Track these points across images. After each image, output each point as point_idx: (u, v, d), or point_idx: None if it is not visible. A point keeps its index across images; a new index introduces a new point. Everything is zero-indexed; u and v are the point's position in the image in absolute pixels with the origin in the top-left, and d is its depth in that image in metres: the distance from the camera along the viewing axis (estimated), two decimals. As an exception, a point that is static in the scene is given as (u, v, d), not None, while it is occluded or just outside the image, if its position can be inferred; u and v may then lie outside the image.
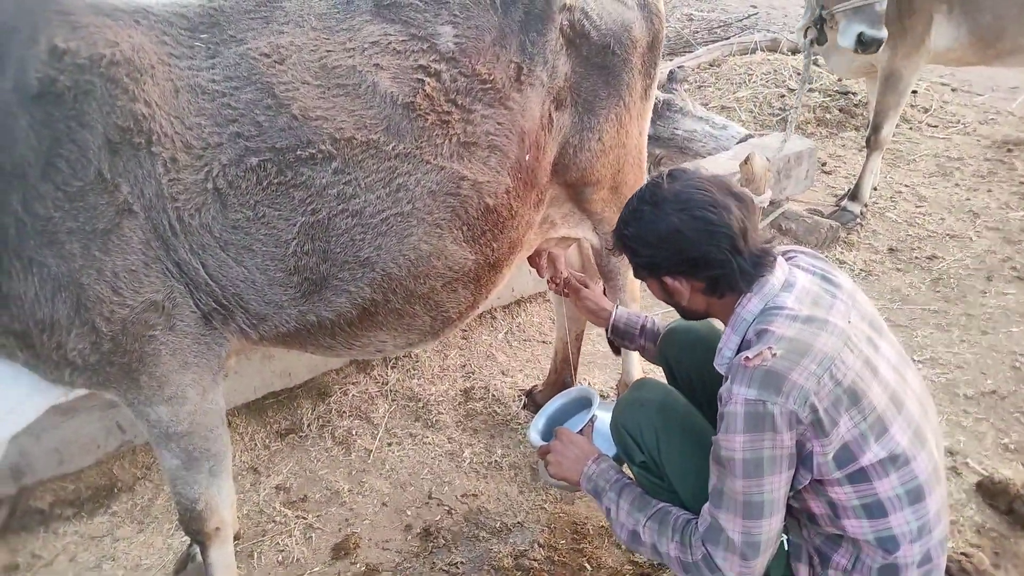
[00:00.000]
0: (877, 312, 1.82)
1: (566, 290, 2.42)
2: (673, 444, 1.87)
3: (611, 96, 2.22)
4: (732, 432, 1.58)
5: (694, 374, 2.10)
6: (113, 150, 1.64)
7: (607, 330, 2.33)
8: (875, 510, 1.64)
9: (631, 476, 1.91)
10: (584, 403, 2.31)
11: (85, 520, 2.61)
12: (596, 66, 2.17)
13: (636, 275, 1.86)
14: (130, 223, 1.68)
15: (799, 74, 6.04)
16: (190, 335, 1.83)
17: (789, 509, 1.75)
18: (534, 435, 2.21)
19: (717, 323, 1.92)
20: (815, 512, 1.71)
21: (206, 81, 1.73)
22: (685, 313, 1.86)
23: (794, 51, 6.39)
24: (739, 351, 1.68)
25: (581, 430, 2.09)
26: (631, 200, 1.78)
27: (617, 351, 2.93)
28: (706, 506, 1.68)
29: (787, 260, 1.81)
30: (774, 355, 1.57)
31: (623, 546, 2.04)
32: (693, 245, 1.66)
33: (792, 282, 1.71)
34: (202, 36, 1.75)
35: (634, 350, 2.39)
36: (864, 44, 3.49)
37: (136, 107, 1.64)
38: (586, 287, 2.38)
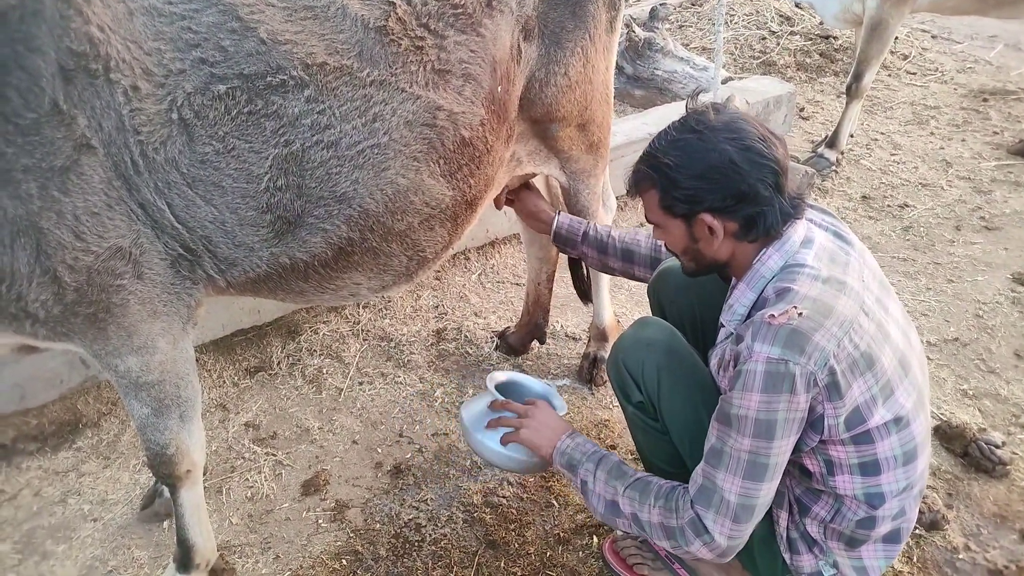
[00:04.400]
0: (882, 273, 1.79)
1: (509, 197, 2.39)
2: (677, 388, 1.84)
3: (577, 28, 2.16)
4: (749, 390, 1.53)
5: (686, 316, 2.10)
6: (67, 78, 1.51)
7: (550, 234, 2.31)
8: (870, 468, 1.64)
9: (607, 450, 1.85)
10: (542, 397, 2.15)
11: (49, 455, 2.58)
12: None
13: (656, 216, 1.71)
14: (89, 160, 1.56)
15: (782, 16, 5.96)
16: (159, 283, 1.74)
17: None
18: (493, 388, 2.04)
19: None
20: (809, 469, 1.70)
21: (162, 3, 1.62)
22: (699, 264, 1.75)
23: None
24: (753, 308, 1.64)
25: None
26: (666, 132, 1.66)
27: (584, 297, 2.93)
28: (698, 468, 1.65)
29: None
30: (800, 315, 1.52)
31: (593, 514, 2.01)
32: (744, 177, 1.57)
33: (811, 238, 1.67)
34: None
35: (576, 256, 2.38)
36: None
37: (91, 30, 1.52)
38: (528, 189, 2.37)
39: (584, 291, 2.91)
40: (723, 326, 1.75)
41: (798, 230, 1.66)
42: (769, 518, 1.80)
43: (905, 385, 1.64)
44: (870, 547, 1.76)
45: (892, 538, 1.76)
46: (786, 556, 1.80)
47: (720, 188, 1.60)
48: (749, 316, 1.65)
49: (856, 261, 1.69)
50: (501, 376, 2.14)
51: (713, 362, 1.76)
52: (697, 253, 1.73)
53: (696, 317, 2.09)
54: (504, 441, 1.92)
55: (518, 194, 2.41)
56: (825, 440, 1.62)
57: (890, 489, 1.66)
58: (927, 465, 1.74)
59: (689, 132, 1.62)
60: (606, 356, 2.75)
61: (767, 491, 1.59)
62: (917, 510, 1.76)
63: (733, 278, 1.77)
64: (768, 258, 1.64)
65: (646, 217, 1.77)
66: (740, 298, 1.68)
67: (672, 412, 1.86)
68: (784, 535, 1.79)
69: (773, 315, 1.54)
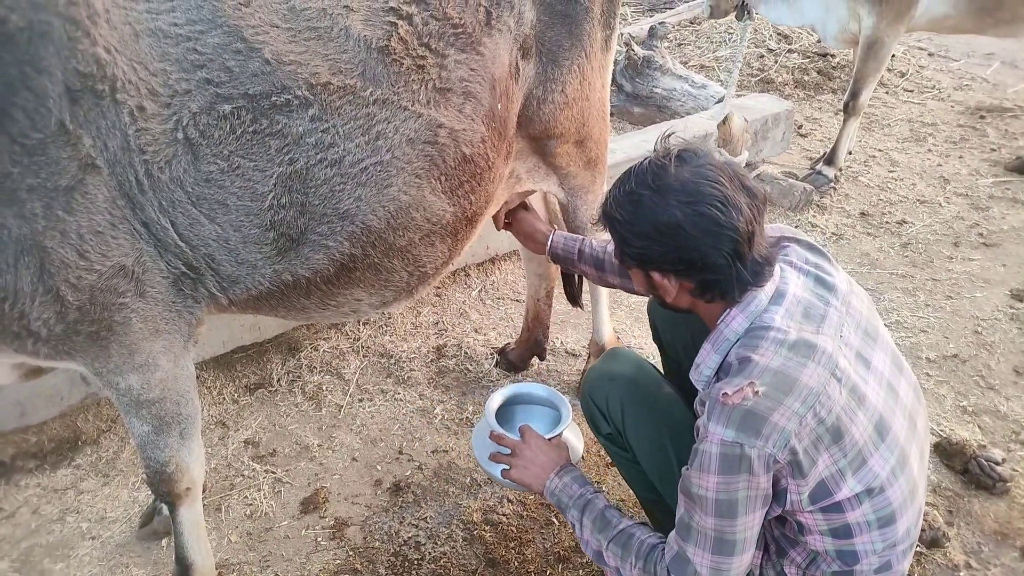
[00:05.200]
0: (873, 311, 1.72)
1: (506, 220, 2.41)
2: (640, 421, 1.86)
3: (573, 47, 2.19)
4: (705, 471, 1.47)
5: (679, 339, 2.10)
6: (74, 98, 1.52)
7: (543, 253, 2.33)
8: (841, 532, 1.58)
9: (593, 488, 1.80)
10: (547, 403, 2.19)
11: (48, 473, 2.57)
12: (559, 14, 2.14)
13: (619, 261, 1.67)
14: (94, 179, 1.57)
15: (780, 34, 6.01)
16: (161, 301, 1.75)
17: None
18: (492, 419, 2.03)
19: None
20: (784, 519, 1.66)
21: (167, 25, 1.64)
22: (665, 306, 1.71)
23: None
24: (718, 371, 1.57)
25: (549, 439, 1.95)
26: (627, 178, 1.57)
27: (574, 301, 2.93)
28: (672, 535, 1.60)
29: (780, 253, 1.66)
30: (756, 393, 1.44)
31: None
32: (693, 245, 1.47)
33: (783, 291, 1.57)
34: None
35: (576, 273, 2.39)
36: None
37: (98, 51, 1.54)
38: (525, 209, 2.38)
39: (573, 295, 2.91)
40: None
41: (766, 286, 1.56)
42: None
43: (881, 451, 1.54)
44: None
45: None
46: None
47: (668, 252, 1.52)
48: (718, 378, 1.57)
49: (835, 313, 1.58)
50: (498, 397, 2.12)
51: (696, 403, 1.72)
52: (659, 298, 1.69)
53: (688, 338, 2.09)
54: (503, 475, 1.91)
55: (514, 215, 2.43)
56: (790, 511, 1.57)
57: (864, 550, 1.59)
58: (916, 521, 1.66)
59: (644, 187, 1.52)
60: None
61: (739, 563, 1.54)
62: (909, 562, 1.67)
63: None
64: (732, 319, 1.55)
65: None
66: (706, 359, 1.59)
67: (638, 443, 1.87)
68: (758, 573, 1.75)
69: (727, 393, 1.46)
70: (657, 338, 2.22)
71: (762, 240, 1.53)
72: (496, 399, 2.12)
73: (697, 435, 1.54)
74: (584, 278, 2.43)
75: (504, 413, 2.13)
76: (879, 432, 1.55)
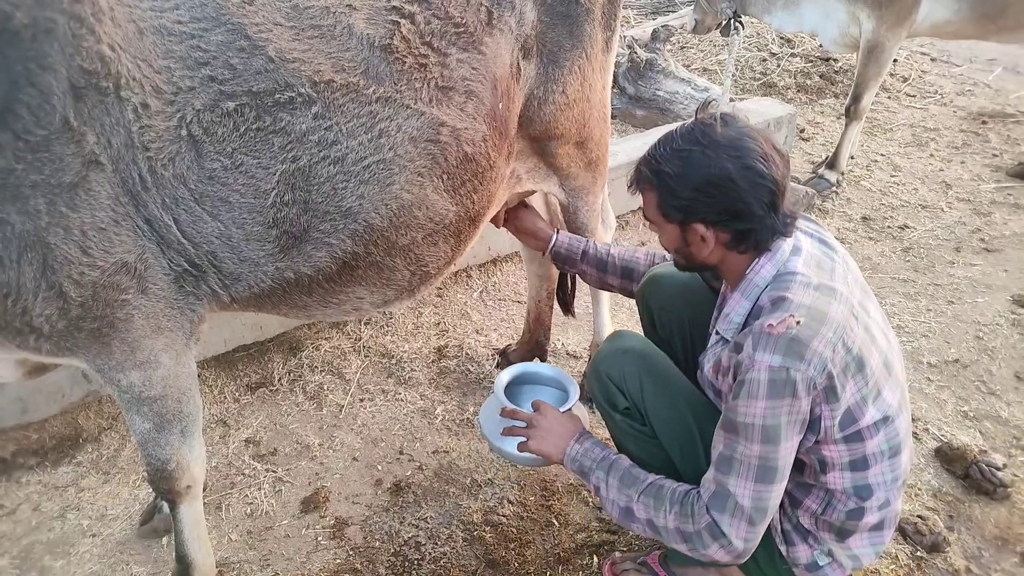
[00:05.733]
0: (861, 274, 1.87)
1: (507, 217, 2.43)
2: (659, 392, 1.89)
3: (575, 48, 2.20)
4: (753, 398, 1.58)
5: (675, 322, 2.13)
6: (78, 95, 1.53)
7: (547, 252, 2.36)
8: (859, 465, 1.71)
9: (615, 451, 1.88)
10: (553, 382, 2.28)
11: (49, 470, 2.57)
12: (560, 15, 2.15)
13: (653, 215, 1.76)
14: (97, 176, 1.58)
15: (783, 38, 6.02)
16: (163, 298, 1.75)
17: None
18: (503, 396, 2.12)
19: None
20: (803, 461, 1.76)
21: (171, 22, 1.65)
22: (691, 264, 1.81)
23: None
24: (749, 317, 1.69)
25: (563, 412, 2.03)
26: (671, 138, 1.69)
27: (566, 309, 2.93)
28: (709, 475, 1.68)
29: None
30: (798, 323, 1.57)
31: (607, 516, 2.05)
32: (739, 196, 1.62)
33: (799, 246, 1.72)
34: None
35: (574, 273, 2.42)
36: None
37: (102, 48, 1.54)
38: (525, 207, 2.41)
39: (566, 302, 2.92)
40: (717, 333, 1.79)
41: (787, 240, 1.71)
42: None
43: (890, 384, 1.71)
44: (858, 538, 1.82)
45: (879, 527, 1.82)
46: (782, 548, 1.85)
47: (715, 203, 1.64)
48: (746, 325, 1.69)
49: (840, 267, 1.74)
50: (507, 376, 2.22)
51: (708, 367, 1.81)
52: (688, 255, 1.78)
53: (686, 323, 2.13)
54: (519, 450, 1.97)
55: (515, 213, 2.44)
56: (820, 441, 1.68)
57: (877, 481, 1.74)
58: (910, 458, 1.83)
59: (694, 144, 1.65)
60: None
61: (777, 492, 1.64)
62: (900, 500, 1.84)
63: (724, 284, 1.84)
64: (761, 267, 1.69)
65: (643, 213, 1.83)
66: (735, 307, 1.72)
67: (658, 415, 1.88)
68: (778, 527, 1.84)
69: (772, 324, 1.58)
70: (650, 329, 2.23)
71: (789, 195, 1.70)
72: (504, 377, 2.20)
73: (735, 371, 1.65)
74: (582, 280, 2.44)
75: (510, 393, 2.20)
76: (887, 368, 1.72)
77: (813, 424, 1.64)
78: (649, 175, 1.71)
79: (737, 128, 1.66)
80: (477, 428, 2.08)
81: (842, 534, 1.79)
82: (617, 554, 2.27)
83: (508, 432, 2.02)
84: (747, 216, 1.64)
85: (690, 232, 1.71)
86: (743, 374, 1.61)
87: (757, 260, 1.70)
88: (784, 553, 1.84)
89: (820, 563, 1.82)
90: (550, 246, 2.34)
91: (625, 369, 1.92)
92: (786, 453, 1.62)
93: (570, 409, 2.07)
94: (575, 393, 2.16)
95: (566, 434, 1.91)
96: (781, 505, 1.82)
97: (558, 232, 2.35)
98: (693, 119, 1.73)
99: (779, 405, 1.57)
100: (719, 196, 1.63)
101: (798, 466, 1.77)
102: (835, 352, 1.58)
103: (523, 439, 1.95)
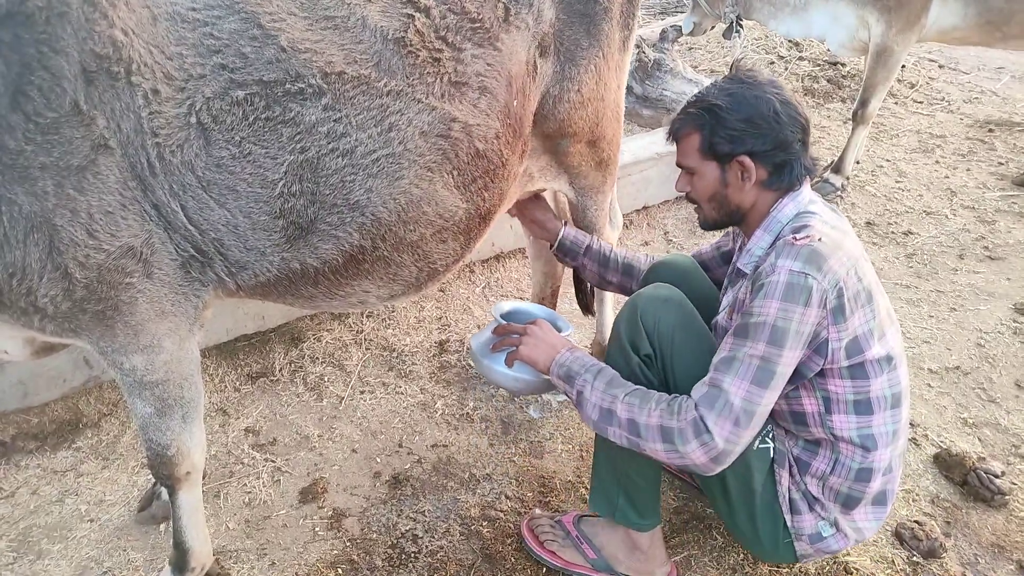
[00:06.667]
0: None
1: (516, 205, 2.46)
2: (689, 345, 1.91)
3: (592, 46, 2.19)
4: (770, 298, 1.69)
5: (664, 326, 2.13)
6: (89, 79, 1.53)
7: (552, 244, 2.41)
8: (863, 407, 1.82)
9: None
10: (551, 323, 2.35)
11: (48, 454, 2.58)
12: (578, 13, 2.14)
13: (694, 159, 1.89)
14: (106, 160, 1.58)
15: (791, 42, 6.01)
16: (168, 283, 1.75)
17: (777, 416, 1.90)
18: (499, 316, 2.22)
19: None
20: (807, 411, 1.84)
21: (185, 9, 1.65)
22: (721, 211, 1.92)
23: None
24: (769, 250, 1.81)
25: None
26: (715, 83, 1.89)
27: (586, 310, 2.95)
28: (704, 379, 1.76)
29: None
30: (819, 239, 1.72)
31: (584, 422, 2.11)
32: (783, 127, 1.79)
33: (815, 200, 1.89)
34: None
35: (574, 267, 2.46)
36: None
37: (115, 33, 1.54)
38: (535, 198, 2.46)
39: (586, 304, 2.93)
40: (736, 273, 1.94)
41: (807, 190, 1.88)
42: (772, 480, 1.90)
43: (894, 330, 1.86)
44: (862, 510, 1.90)
45: (880, 500, 1.91)
46: (787, 518, 1.89)
47: (763, 134, 1.80)
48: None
49: (851, 233, 1.88)
50: (506, 305, 2.32)
51: (723, 313, 1.95)
52: (723, 198, 1.90)
53: (673, 331, 2.13)
54: (507, 361, 2.03)
55: (525, 203, 2.46)
56: (825, 371, 1.78)
57: (879, 432, 1.83)
58: (908, 418, 1.94)
59: (739, 83, 1.84)
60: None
61: (768, 400, 1.71)
62: (901, 470, 1.94)
63: (740, 243, 1.99)
64: (784, 206, 1.85)
65: (678, 162, 1.95)
66: (758, 241, 1.86)
67: (683, 368, 1.90)
68: (786, 495, 1.89)
69: (796, 237, 1.74)
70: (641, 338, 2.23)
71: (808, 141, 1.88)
72: (504, 305, 2.32)
73: (752, 294, 1.75)
74: (582, 275, 2.47)
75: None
76: (889, 315, 1.86)
77: (820, 347, 1.74)
78: (698, 112, 1.85)
79: (768, 77, 1.87)
80: (466, 354, 2.15)
81: (849, 503, 1.86)
82: (536, 510, 2.36)
83: (499, 347, 2.07)
84: (787, 148, 1.81)
85: (732, 169, 1.85)
86: (763, 279, 1.73)
87: (781, 199, 1.85)
88: (789, 523, 1.89)
89: (824, 534, 1.88)
90: (558, 238, 2.37)
91: (661, 317, 1.93)
92: (788, 361, 1.70)
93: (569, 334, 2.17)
94: (568, 329, 2.24)
95: (559, 344, 1.96)
96: (789, 473, 1.89)
97: (566, 224, 2.38)
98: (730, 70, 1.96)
99: (792, 308, 1.68)
100: (765, 127, 1.79)
101: (801, 421, 1.86)
102: (848, 276, 1.71)
103: (513, 350, 2.02)
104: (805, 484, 1.89)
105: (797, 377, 1.80)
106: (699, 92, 1.90)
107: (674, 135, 1.94)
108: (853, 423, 1.82)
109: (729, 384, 1.69)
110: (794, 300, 1.68)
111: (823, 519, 1.88)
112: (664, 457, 1.75)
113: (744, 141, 1.81)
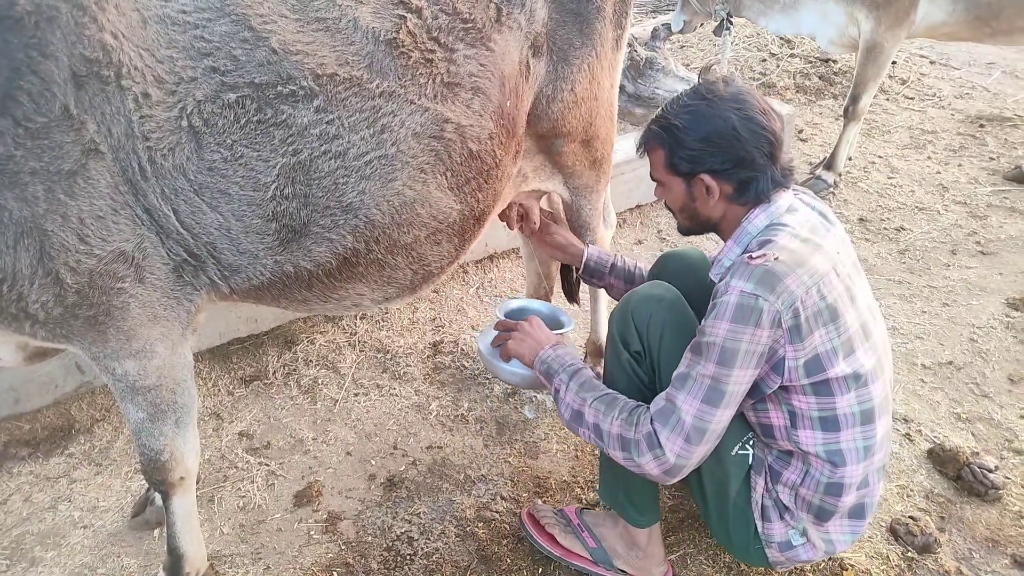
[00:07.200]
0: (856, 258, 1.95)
1: (534, 227, 2.48)
2: (677, 342, 1.90)
3: (585, 46, 2.19)
4: (720, 319, 1.68)
5: (653, 327, 2.14)
6: (79, 83, 1.52)
7: (577, 267, 2.41)
8: (829, 424, 1.79)
9: (585, 365, 1.98)
10: (551, 318, 2.39)
11: (41, 461, 2.56)
12: (571, 12, 2.14)
13: (660, 173, 1.87)
14: (97, 165, 1.57)
15: (782, 39, 6.02)
16: (160, 288, 1.74)
17: (751, 425, 1.89)
18: (501, 314, 2.33)
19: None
20: (774, 424, 1.83)
21: (175, 12, 1.64)
22: (693, 222, 1.91)
23: None
24: (736, 260, 1.78)
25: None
26: (678, 98, 1.84)
27: (571, 298, 2.94)
28: (663, 392, 1.77)
29: (794, 192, 1.92)
30: (775, 259, 1.68)
31: (561, 421, 2.21)
32: (743, 144, 1.74)
33: (795, 208, 1.83)
34: None
35: (601, 287, 2.45)
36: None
37: (104, 37, 1.53)
38: (555, 223, 2.47)
39: (571, 291, 2.92)
40: (712, 282, 1.88)
41: (785, 198, 1.83)
42: (748, 486, 1.92)
43: (866, 348, 1.79)
44: (837, 522, 1.88)
45: (857, 513, 1.89)
46: (758, 524, 1.90)
47: (721, 152, 1.76)
48: None
49: (835, 238, 1.83)
50: (514, 303, 2.42)
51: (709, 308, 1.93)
52: (693, 211, 1.89)
53: (692, 301, 2.13)
54: (502, 355, 2.11)
55: (546, 228, 2.47)
56: (787, 387, 1.76)
57: (848, 448, 1.80)
58: (887, 435, 1.90)
59: (699, 99, 1.79)
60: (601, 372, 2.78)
61: (721, 417, 1.71)
62: (881, 485, 1.91)
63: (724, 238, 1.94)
64: (755, 217, 1.81)
65: (651, 174, 1.93)
66: (727, 252, 1.84)
67: (670, 366, 1.89)
68: (759, 502, 1.89)
69: (752, 256, 1.71)
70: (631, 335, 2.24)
71: (785, 151, 1.82)
72: (511, 304, 2.42)
73: (714, 297, 1.75)
74: (608, 295, 2.50)
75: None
76: (864, 332, 1.80)
77: (777, 365, 1.73)
78: (659, 131, 1.83)
79: (737, 86, 1.80)
80: (477, 353, 2.48)
81: (821, 515, 1.85)
82: (538, 502, 2.37)
83: (496, 342, 2.17)
84: (749, 164, 1.76)
85: (696, 185, 1.82)
86: (718, 297, 1.72)
87: (752, 211, 1.81)
88: (760, 529, 1.90)
89: (794, 542, 1.88)
90: (583, 261, 2.37)
91: (652, 316, 1.94)
92: (738, 380, 1.69)
93: (563, 333, 2.19)
94: (569, 324, 2.32)
95: (545, 341, 2.02)
96: (765, 479, 1.89)
97: (588, 247, 2.39)
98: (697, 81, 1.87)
99: (742, 330, 1.66)
100: (724, 146, 1.75)
101: (770, 431, 1.85)
102: (808, 295, 1.67)
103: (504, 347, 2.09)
104: (777, 492, 1.88)
105: (757, 392, 1.79)
106: (663, 107, 1.87)
107: (642, 149, 1.93)
108: (819, 439, 1.80)
109: (682, 402, 1.70)
110: (744, 321, 1.66)
111: (793, 528, 1.88)
112: (623, 464, 1.79)
113: (703, 160, 1.78)
